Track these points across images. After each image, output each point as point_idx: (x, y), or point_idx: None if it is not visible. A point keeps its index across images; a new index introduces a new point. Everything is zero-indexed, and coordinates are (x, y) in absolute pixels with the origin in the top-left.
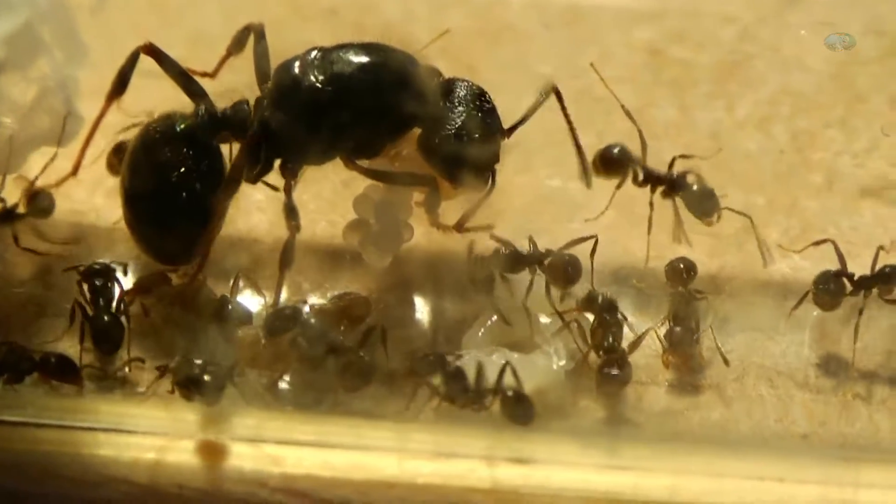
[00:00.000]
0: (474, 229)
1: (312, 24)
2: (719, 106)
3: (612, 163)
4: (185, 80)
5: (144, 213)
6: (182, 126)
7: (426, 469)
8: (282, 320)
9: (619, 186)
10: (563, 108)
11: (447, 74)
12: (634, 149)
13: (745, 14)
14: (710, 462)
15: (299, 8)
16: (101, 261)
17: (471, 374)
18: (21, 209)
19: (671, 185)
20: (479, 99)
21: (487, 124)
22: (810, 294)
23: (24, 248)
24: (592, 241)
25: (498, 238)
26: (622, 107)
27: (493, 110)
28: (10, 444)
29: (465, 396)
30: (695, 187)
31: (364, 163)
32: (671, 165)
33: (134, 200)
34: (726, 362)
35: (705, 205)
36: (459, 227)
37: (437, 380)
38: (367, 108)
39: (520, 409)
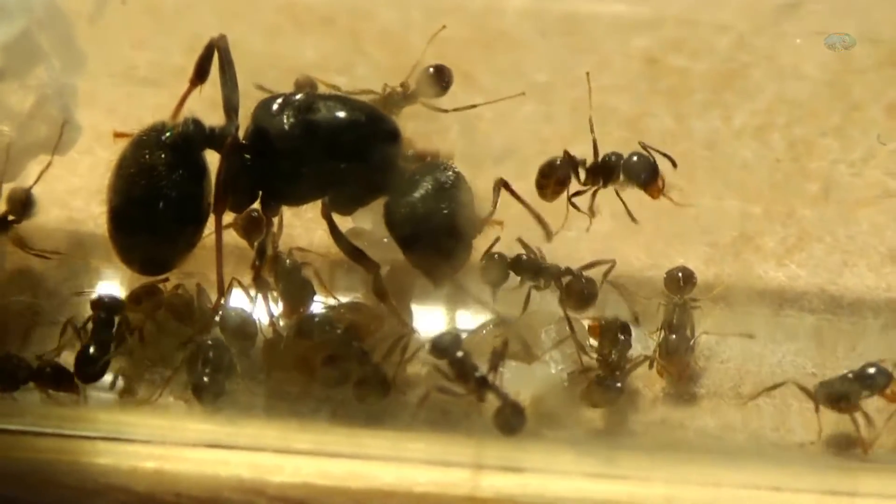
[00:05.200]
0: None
1: (309, 33)
2: (716, 115)
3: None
4: (229, 89)
5: (124, 220)
6: (167, 136)
7: (423, 478)
8: (312, 326)
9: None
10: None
11: None
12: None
13: (741, 23)
14: (706, 471)
15: (296, 16)
16: (110, 294)
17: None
18: (11, 216)
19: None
20: (449, 181)
21: (452, 212)
22: None
23: (34, 252)
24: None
25: (525, 244)
26: (590, 119)
27: (461, 199)
28: (9, 452)
29: (472, 381)
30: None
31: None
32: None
33: (115, 208)
34: None
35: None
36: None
37: (447, 361)
38: (333, 164)
39: (512, 419)
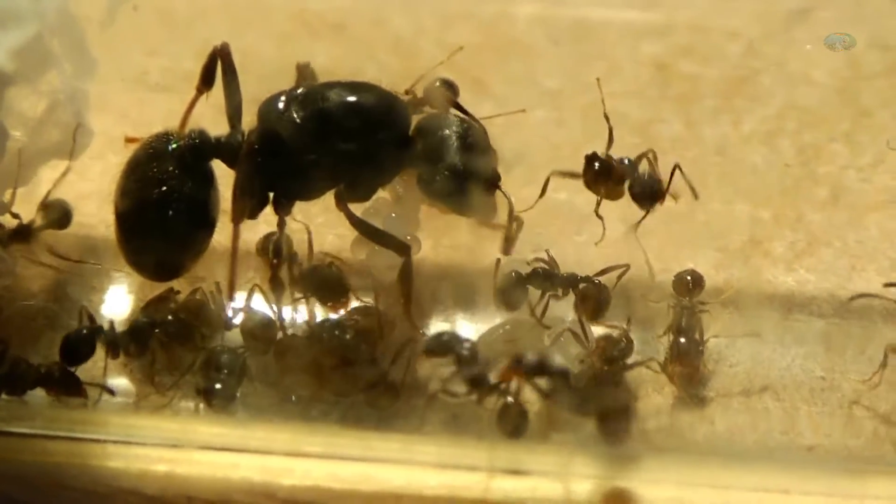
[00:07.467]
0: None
1: (321, 39)
2: (726, 120)
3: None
4: (232, 96)
5: (131, 226)
6: (174, 146)
7: (433, 481)
8: (323, 330)
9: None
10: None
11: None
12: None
13: (751, 29)
14: (715, 474)
15: (307, 23)
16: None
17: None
18: (38, 222)
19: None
20: (462, 128)
21: (478, 152)
22: None
23: (65, 259)
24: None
25: (538, 257)
26: (605, 115)
27: (478, 137)
28: (20, 455)
29: (476, 382)
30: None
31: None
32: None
33: (122, 214)
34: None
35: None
36: (507, 250)
37: (450, 361)
38: (348, 149)
39: (516, 421)
